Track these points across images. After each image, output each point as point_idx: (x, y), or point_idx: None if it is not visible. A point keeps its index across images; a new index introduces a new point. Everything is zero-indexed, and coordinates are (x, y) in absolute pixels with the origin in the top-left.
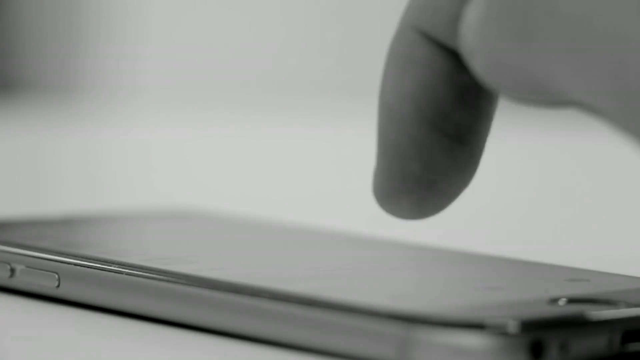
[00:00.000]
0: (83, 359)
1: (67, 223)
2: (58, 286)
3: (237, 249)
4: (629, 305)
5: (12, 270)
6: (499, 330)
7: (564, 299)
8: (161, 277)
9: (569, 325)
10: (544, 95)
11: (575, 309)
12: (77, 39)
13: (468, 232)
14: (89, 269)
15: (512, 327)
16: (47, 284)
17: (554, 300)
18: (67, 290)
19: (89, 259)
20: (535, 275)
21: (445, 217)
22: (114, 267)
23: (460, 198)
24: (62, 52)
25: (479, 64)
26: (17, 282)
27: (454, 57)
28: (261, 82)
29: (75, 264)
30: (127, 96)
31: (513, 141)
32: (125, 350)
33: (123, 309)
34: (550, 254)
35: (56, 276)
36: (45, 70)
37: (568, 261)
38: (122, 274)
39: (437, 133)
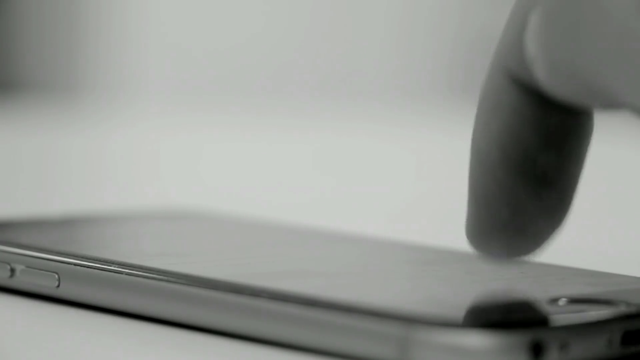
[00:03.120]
0: (83, 359)
1: (67, 223)
2: (58, 286)
3: (237, 249)
4: (629, 305)
5: (12, 270)
6: (499, 330)
7: (564, 299)
8: (161, 277)
9: (569, 325)
10: (598, 99)
11: (575, 309)
12: (78, 39)
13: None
14: (89, 269)
15: (512, 327)
16: (47, 284)
17: (554, 300)
18: (67, 290)
19: (89, 259)
20: (535, 275)
21: (445, 217)
22: (114, 267)
23: (460, 200)
24: (63, 53)
25: (539, 71)
26: (17, 282)
27: (539, 100)
28: (261, 82)
29: (75, 264)
30: (127, 96)
31: None
32: (125, 350)
33: (123, 309)
34: (550, 254)
35: (56, 276)
36: (45, 71)
37: (568, 261)
38: (122, 274)
39: (524, 178)
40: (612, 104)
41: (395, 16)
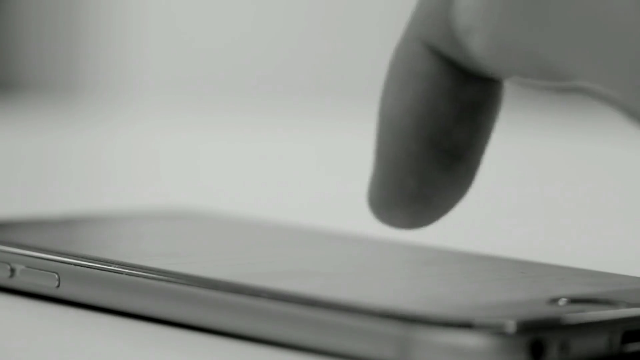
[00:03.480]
0: (83, 359)
1: (67, 223)
2: (58, 286)
3: (237, 249)
4: (629, 305)
5: (12, 270)
6: (499, 330)
7: (564, 299)
8: (161, 277)
9: (569, 325)
10: (552, 80)
11: (575, 309)
12: (78, 39)
13: (468, 232)
14: (89, 269)
15: (512, 327)
16: (47, 284)
17: (554, 300)
18: (67, 290)
19: (89, 259)
20: (535, 275)
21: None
22: (114, 267)
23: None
24: (63, 53)
25: (478, 44)
26: (17, 282)
27: (456, 72)
28: (261, 82)
29: (75, 264)
30: (127, 96)
31: (513, 141)
32: (125, 350)
33: (123, 309)
34: (550, 254)
35: (56, 276)
36: (45, 71)
37: (568, 261)
38: (122, 274)
39: (435, 149)
40: (569, 87)
41: (395, 16)
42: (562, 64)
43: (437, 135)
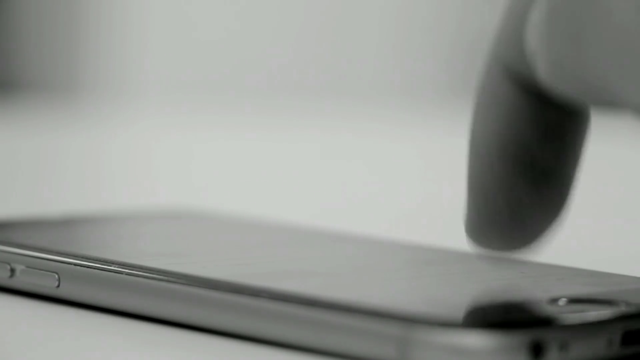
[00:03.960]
0: (83, 359)
1: (67, 223)
2: (58, 286)
3: (237, 249)
4: (629, 305)
5: (12, 270)
6: (499, 330)
7: (564, 299)
8: (161, 277)
9: (569, 325)
10: (600, 98)
11: (575, 309)
12: (78, 39)
13: None
14: (89, 269)
15: (512, 327)
16: (47, 284)
17: (554, 300)
18: (67, 290)
19: (89, 259)
20: (535, 275)
21: (446, 217)
22: (114, 267)
23: (460, 201)
24: (63, 53)
25: (540, 67)
26: (17, 282)
27: (536, 95)
28: (261, 82)
29: (75, 264)
30: (126, 96)
31: None
32: (125, 350)
33: (123, 309)
34: (550, 254)
35: (56, 276)
36: (45, 71)
37: (568, 261)
38: (122, 274)
39: (522, 173)
40: (613, 104)
41: (395, 16)
42: (604, 83)
43: (524, 159)
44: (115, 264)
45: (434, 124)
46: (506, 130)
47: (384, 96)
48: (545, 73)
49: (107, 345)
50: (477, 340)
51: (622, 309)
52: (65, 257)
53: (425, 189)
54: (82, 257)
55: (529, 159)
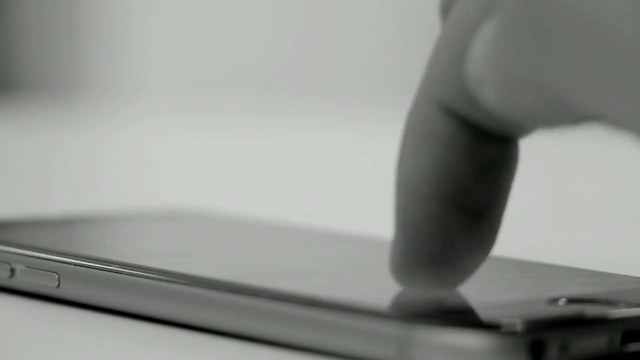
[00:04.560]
0: (83, 359)
1: (67, 223)
2: (58, 286)
3: (236, 249)
4: (629, 305)
5: (12, 270)
6: (499, 330)
7: (564, 299)
8: (161, 277)
9: (569, 325)
10: (565, 111)
11: (575, 309)
12: (77, 39)
13: None
14: (89, 269)
15: (512, 327)
16: (47, 284)
17: (554, 300)
18: (67, 290)
19: (89, 259)
20: (535, 275)
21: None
22: (114, 267)
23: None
24: (62, 53)
25: (490, 91)
26: (17, 282)
27: (473, 131)
28: (261, 82)
29: (75, 264)
30: (126, 96)
31: None
32: (125, 350)
33: (123, 309)
34: (550, 254)
35: (56, 276)
36: (45, 71)
37: (568, 261)
38: (122, 274)
39: (456, 210)
40: (582, 118)
41: (395, 16)
42: (574, 97)
43: (458, 196)
44: (115, 264)
45: None
46: (440, 168)
47: (383, 96)
48: (495, 96)
49: (107, 345)
50: (477, 340)
51: (622, 309)
52: (65, 257)
53: None
54: (82, 257)
55: (464, 197)
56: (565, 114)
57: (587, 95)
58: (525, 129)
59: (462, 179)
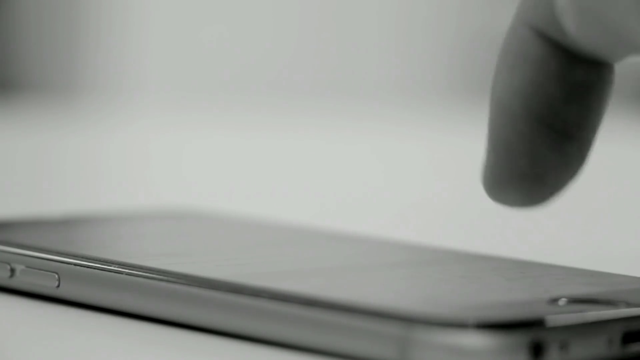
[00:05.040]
0: (83, 359)
1: (67, 223)
2: (58, 286)
3: (236, 249)
4: (629, 305)
5: (12, 270)
6: (498, 330)
7: (564, 299)
8: (161, 277)
9: (569, 325)
10: (627, 48)
11: (575, 309)
12: (76, 39)
13: (468, 232)
14: (89, 269)
15: (512, 327)
16: (47, 284)
17: (554, 300)
18: (67, 290)
19: (89, 259)
20: (535, 275)
21: (446, 217)
22: (114, 267)
23: (460, 201)
24: (62, 53)
25: (568, 21)
26: (17, 282)
27: (563, 54)
28: (261, 82)
29: (75, 264)
30: (126, 96)
31: None
32: (125, 350)
33: (123, 309)
34: (550, 254)
35: (56, 276)
36: (45, 71)
37: (568, 261)
38: (122, 274)
39: (545, 129)
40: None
41: (395, 16)
42: (635, 34)
43: (547, 116)
44: (115, 264)
45: (434, 124)
46: (531, 88)
47: (383, 95)
48: (574, 27)
49: (107, 345)
50: (477, 340)
51: (622, 309)
52: (65, 257)
53: (426, 189)
54: (82, 257)
55: (553, 117)
56: (626, 49)
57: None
58: (612, 56)
59: (552, 100)
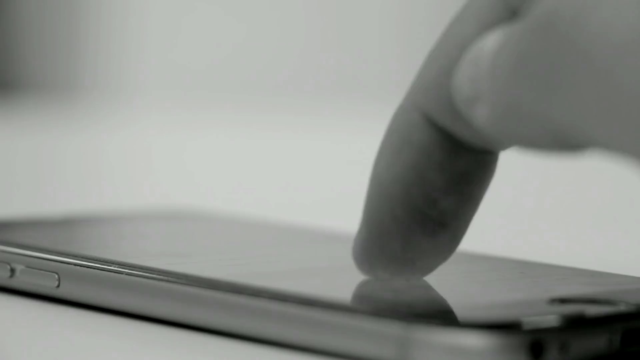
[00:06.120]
0: (83, 359)
1: (67, 223)
2: (58, 286)
3: (237, 249)
4: (629, 305)
5: (12, 270)
6: (498, 330)
7: (564, 299)
8: (161, 277)
9: (569, 325)
10: (563, 143)
11: (575, 309)
12: (77, 39)
13: (468, 232)
14: (89, 269)
15: (512, 327)
16: (47, 284)
17: (554, 300)
18: (67, 290)
19: (89, 259)
20: (535, 275)
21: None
22: (114, 267)
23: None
24: (62, 52)
25: (483, 114)
26: (17, 282)
27: (449, 143)
28: (260, 82)
29: (75, 264)
30: (126, 96)
31: None
32: (125, 350)
33: (123, 309)
34: (550, 254)
35: (56, 276)
36: (45, 70)
37: (568, 261)
38: (122, 274)
39: (421, 216)
40: (580, 148)
41: (395, 16)
42: (575, 129)
43: (424, 204)
44: (115, 264)
45: None
46: (412, 175)
47: (384, 96)
48: (489, 119)
49: (107, 345)
50: (477, 340)
51: (622, 309)
52: (65, 257)
53: None
54: (82, 257)
55: (430, 206)
56: (562, 144)
57: (590, 132)
58: (510, 146)
59: (432, 189)
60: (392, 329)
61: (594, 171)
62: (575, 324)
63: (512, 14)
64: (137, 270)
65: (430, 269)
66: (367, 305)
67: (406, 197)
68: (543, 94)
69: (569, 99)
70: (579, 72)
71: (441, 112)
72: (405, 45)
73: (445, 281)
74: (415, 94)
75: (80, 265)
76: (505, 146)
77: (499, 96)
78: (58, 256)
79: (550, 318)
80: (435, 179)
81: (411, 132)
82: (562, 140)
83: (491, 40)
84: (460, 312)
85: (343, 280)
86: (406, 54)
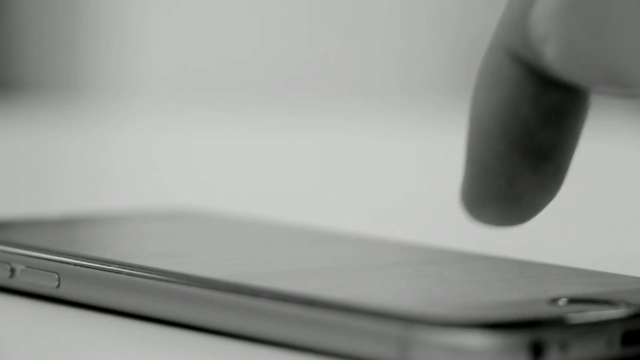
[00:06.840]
0: (83, 359)
1: (67, 223)
2: (58, 286)
3: (237, 249)
4: (629, 305)
5: (12, 270)
6: (498, 330)
7: (564, 299)
8: (161, 277)
9: (569, 325)
10: (618, 83)
11: (575, 309)
12: (78, 39)
13: (468, 232)
14: (89, 269)
15: (512, 327)
16: (47, 284)
17: (554, 300)
18: (67, 290)
19: (89, 259)
20: (535, 275)
21: (446, 217)
22: (114, 267)
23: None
24: (63, 52)
25: (551, 51)
26: (17, 282)
27: (539, 78)
28: (260, 81)
29: (75, 264)
30: (127, 96)
31: None
32: (125, 350)
33: (123, 309)
34: (550, 254)
35: (56, 276)
36: (45, 70)
37: (568, 261)
38: (122, 274)
39: (521, 151)
40: (634, 94)
41: (396, 16)
42: (627, 73)
43: (523, 138)
44: (115, 264)
45: (433, 124)
46: (507, 111)
47: (385, 96)
48: (556, 58)
49: (107, 345)
50: (477, 340)
51: (622, 309)
52: (65, 257)
53: (427, 189)
54: (82, 257)
55: (529, 138)
56: (617, 84)
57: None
58: (590, 87)
59: (528, 122)
60: (392, 329)
61: (594, 171)
62: (575, 324)
63: None
64: (137, 270)
65: (537, 206)
66: (367, 305)
67: (504, 133)
68: (594, 36)
69: (616, 42)
70: (626, 14)
71: (525, 49)
72: (409, 47)
73: (445, 281)
74: (500, 32)
75: (80, 265)
76: (574, 85)
77: (561, 35)
78: (58, 256)
79: (550, 318)
80: (530, 114)
81: (501, 70)
82: (616, 80)
83: None
84: (460, 312)
85: (343, 280)
86: (409, 55)
